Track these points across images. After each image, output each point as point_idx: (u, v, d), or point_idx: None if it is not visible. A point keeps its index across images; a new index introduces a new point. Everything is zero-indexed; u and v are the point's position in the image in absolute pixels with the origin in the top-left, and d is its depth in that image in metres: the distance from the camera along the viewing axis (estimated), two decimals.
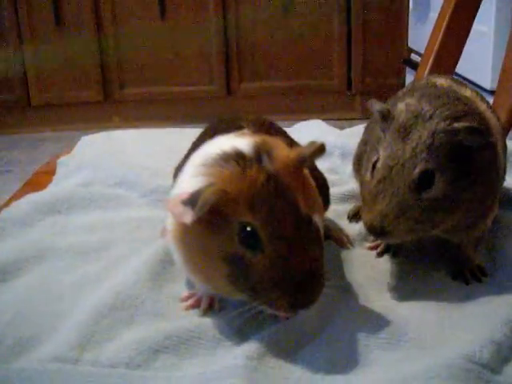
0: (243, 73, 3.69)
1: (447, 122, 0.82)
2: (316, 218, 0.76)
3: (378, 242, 0.99)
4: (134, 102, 3.66)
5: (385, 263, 0.96)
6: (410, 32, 3.40)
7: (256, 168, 0.72)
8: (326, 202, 1.01)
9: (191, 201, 0.71)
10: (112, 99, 3.65)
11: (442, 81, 0.97)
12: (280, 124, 1.03)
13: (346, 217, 1.08)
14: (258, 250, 0.71)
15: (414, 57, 3.26)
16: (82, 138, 1.48)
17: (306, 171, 0.81)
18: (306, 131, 1.40)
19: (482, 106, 0.94)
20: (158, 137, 1.49)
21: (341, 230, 1.02)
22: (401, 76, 3.59)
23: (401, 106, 0.87)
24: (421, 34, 2.95)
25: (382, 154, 0.85)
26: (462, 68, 2.70)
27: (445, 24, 1.42)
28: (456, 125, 0.82)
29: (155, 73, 3.63)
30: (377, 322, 0.79)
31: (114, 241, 1.01)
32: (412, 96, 0.89)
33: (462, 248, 0.94)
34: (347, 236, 1.01)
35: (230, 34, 3.59)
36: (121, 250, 0.98)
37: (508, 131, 1.37)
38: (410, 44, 3.33)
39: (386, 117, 0.87)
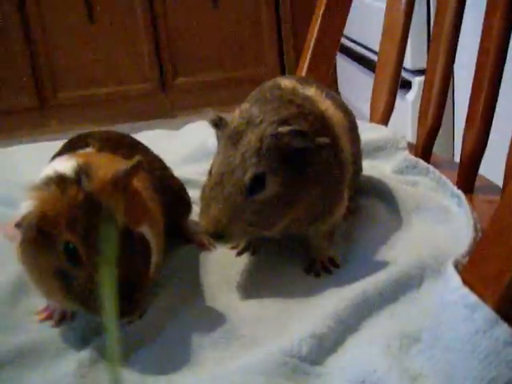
0: (176, 68, 3.70)
1: (274, 127, 0.86)
2: (144, 229, 0.81)
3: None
4: (69, 106, 3.65)
5: (243, 262, 0.99)
6: None
7: (75, 189, 0.77)
8: (186, 206, 1.05)
9: (20, 224, 0.77)
10: (47, 105, 3.64)
11: (286, 82, 1.00)
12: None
13: None
14: (79, 265, 0.76)
15: (344, 42, 3.29)
16: None
17: (139, 186, 0.85)
18: (189, 134, 1.44)
19: (324, 104, 0.97)
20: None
21: (203, 233, 1.04)
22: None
23: (236, 111, 0.90)
24: (352, 18, 2.99)
25: (216, 160, 0.88)
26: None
27: (320, 18, 1.46)
28: (280, 129, 0.85)
29: (88, 75, 3.63)
30: (214, 322, 0.82)
31: None
32: (249, 100, 0.92)
33: (313, 241, 0.97)
34: (209, 239, 1.03)
35: (161, 30, 3.60)
36: None
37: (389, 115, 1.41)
38: None
39: (218, 125, 0.90)
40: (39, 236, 0.77)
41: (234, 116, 0.90)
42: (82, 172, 0.79)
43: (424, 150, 1.30)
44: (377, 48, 1.46)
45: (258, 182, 0.85)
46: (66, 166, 0.81)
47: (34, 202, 0.77)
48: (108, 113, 3.66)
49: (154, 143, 1.11)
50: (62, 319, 0.87)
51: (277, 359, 0.72)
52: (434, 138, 1.31)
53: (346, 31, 3.08)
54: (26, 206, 0.79)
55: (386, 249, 0.98)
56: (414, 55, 2.34)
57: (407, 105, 2.38)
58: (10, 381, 0.77)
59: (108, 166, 0.82)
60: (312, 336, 0.76)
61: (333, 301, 0.83)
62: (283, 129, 0.85)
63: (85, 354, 0.78)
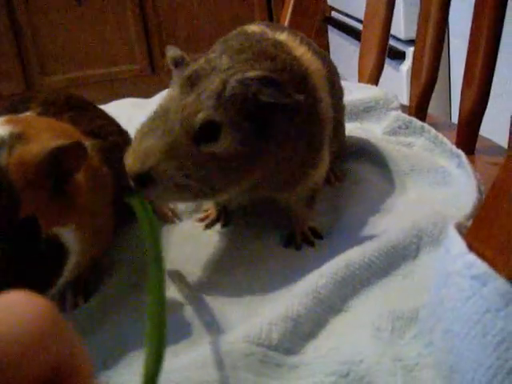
0: (165, 48, 3.57)
1: (242, 72, 0.71)
2: (65, 231, 0.64)
3: (208, 212, 0.89)
4: (58, 90, 3.52)
5: (213, 235, 0.85)
6: None
7: None
8: None
9: None
10: (34, 89, 3.51)
11: (254, 27, 0.86)
12: None
13: None
14: None
15: (335, 15, 3.15)
16: None
17: (82, 174, 0.69)
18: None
19: (299, 50, 0.82)
20: None
21: (165, 204, 0.91)
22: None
23: (201, 59, 0.76)
24: None
25: (165, 96, 0.72)
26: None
27: None
28: (249, 74, 0.70)
29: (76, 58, 3.51)
30: (171, 306, 0.69)
31: None
32: (215, 51, 0.78)
33: (292, 209, 0.83)
34: (172, 210, 0.90)
35: (148, 9, 3.48)
36: None
37: (378, 76, 1.28)
38: (330, 2, 3.21)
39: (180, 63, 0.76)
40: None
41: (198, 61, 0.75)
42: (6, 142, 0.64)
43: (418, 109, 1.17)
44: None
45: (210, 131, 0.68)
46: None
47: None
48: (97, 95, 3.52)
49: (123, 112, 0.97)
50: None
51: (241, 348, 0.58)
52: (429, 96, 1.18)
53: (334, 3, 3.00)
54: None
55: (377, 216, 0.84)
56: (407, 25, 2.25)
57: (402, 75, 2.26)
58: None
59: (39, 140, 0.66)
60: (285, 318, 0.62)
61: (312, 277, 0.69)
62: (251, 73, 0.70)
63: None
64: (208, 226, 0.87)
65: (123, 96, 3.33)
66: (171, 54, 0.77)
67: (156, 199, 0.71)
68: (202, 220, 0.89)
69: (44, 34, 3.42)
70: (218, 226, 0.88)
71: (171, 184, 0.67)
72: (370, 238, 0.76)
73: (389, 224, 0.81)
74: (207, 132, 0.68)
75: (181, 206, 0.91)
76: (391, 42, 1.94)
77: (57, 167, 0.64)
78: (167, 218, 0.89)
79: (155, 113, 0.71)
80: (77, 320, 0.69)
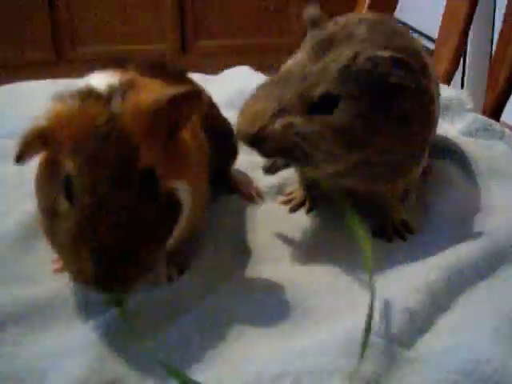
0: (198, 31, 3.54)
1: (374, 49, 0.70)
2: (179, 186, 0.61)
3: (293, 195, 0.87)
4: (86, 62, 3.48)
5: (297, 219, 0.83)
6: None
7: (99, 107, 0.59)
8: (232, 151, 0.88)
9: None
10: (64, 59, 3.48)
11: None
12: None
13: (260, 168, 0.94)
14: (72, 205, 0.57)
15: None
16: None
17: (187, 130, 0.67)
18: (228, 79, 1.28)
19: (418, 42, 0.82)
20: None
21: (250, 183, 0.88)
22: None
23: (339, 22, 0.75)
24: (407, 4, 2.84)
25: (291, 59, 0.72)
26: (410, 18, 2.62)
27: None
28: (380, 53, 0.69)
29: (107, 32, 3.47)
30: (271, 288, 0.67)
31: None
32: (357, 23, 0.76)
33: (386, 200, 0.81)
34: (257, 190, 0.88)
35: None
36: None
37: (450, 78, 1.25)
38: None
39: (316, 23, 0.75)
40: (47, 159, 0.60)
41: (334, 25, 0.74)
42: (118, 90, 0.60)
43: (492, 114, 1.15)
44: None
45: (327, 103, 0.68)
46: (105, 80, 0.63)
47: (45, 115, 0.59)
48: None
49: None
50: None
51: (359, 338, 0.57)
52: (505, 103, 1.16)
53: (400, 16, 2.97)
54: (38, 118, 0.60)
55: (469, 217, 0.82)
56: None
57: None
58: (15, 342, 0.61)
59: (148, 90, 0.62)
60: (402, 311, 0.60)
61: (420, 270, 0.68)
62: (384, 53, 0.69)
63: (110, 319, 0.61)
64: (293, 210, 0.85)
65: None
66: (310, 12, 0.77)
67: (266, 157, 0.72)
68: (285, 203, 0.87)
69: (78, 3, 3.39)
70: (301, 211, 0.85)
71: (281, 141, 0.67)
72: (471, 237, 0.75)
73: (482, 226, 0.79)
74: (324, 104, 0.68)
75: (264, 187, 0.88)
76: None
77: (172, 116, 0.61)
78: (252, 198, 0.86)
79: (275, 77, 0.71)
80: (174, 294, 0.67)
